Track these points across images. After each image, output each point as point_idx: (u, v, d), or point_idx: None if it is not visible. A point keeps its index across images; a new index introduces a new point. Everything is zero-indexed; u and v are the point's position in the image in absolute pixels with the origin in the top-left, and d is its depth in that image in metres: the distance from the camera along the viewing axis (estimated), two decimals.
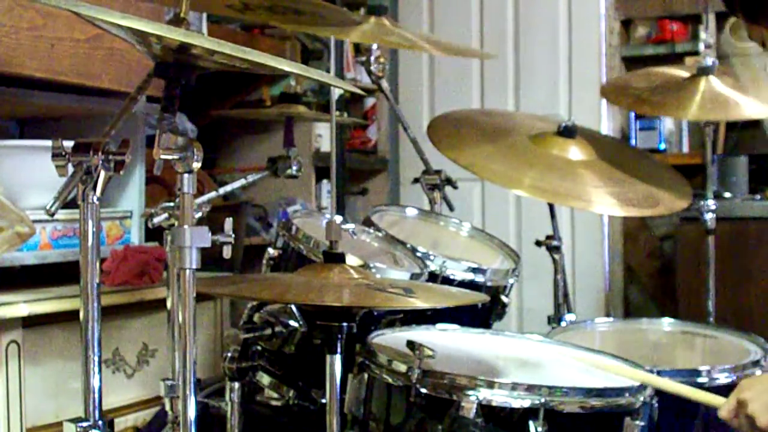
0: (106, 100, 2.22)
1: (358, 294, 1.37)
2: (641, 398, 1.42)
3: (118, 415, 2.07)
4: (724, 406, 1.40)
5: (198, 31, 1.24)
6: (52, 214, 1.19)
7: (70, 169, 1.19)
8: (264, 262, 1.88)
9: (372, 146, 4.26)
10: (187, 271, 1.17)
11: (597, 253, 3.84)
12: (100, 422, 1.21)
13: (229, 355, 1.53)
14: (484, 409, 1.34)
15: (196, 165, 1.16)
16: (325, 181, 3.75)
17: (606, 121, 3.82)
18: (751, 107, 2.13)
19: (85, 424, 1.20)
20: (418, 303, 1.40)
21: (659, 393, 1.49)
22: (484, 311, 1.97)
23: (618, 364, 1.58)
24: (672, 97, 2.20)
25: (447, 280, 1.89)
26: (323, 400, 1.54)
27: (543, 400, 1.34)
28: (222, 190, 2.10)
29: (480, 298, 1.70)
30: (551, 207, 2.25)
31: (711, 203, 2.31)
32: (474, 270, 1.94)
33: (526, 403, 1.35)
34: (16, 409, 1.85)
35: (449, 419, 1.34)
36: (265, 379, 1.71)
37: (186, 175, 1.17)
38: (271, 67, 1.17)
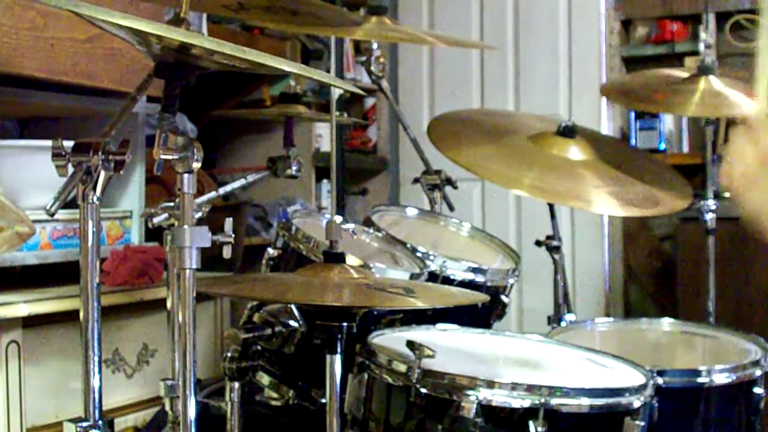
0: (106, 100, 2.22)
1: (358, 294, 1.37)
2: (641, 398, 1.42)
3: (118, 415, 2.07)
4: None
5: (198, 31, 1.24)
6: (52, 214, 1.19)
7: (70, 169, 1.18)
8: (264, 262, 1.88)
9: (372, 146, 4.26)
10: (187, 271, 1.17)
11: (597, 253, 3.84)
12: (100, 422, 1.21)
13: (229, 355, 1.53)
14: (484, 409, 1.34)
15: (196, 165, 1.16)
16: (325, 181, 3.75)
17: (606, 121, 3.82)
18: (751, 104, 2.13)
19: (85, 424, 1.20)
20: (418, 303, 1.40)
21: (659, 392, 1.49)
22: (484, 311, 1.97)
23: None
24: (672, 95, 2.20)
25: (447, 280, 1.89)
26: (323, 400, 1.54)
27: (543, 400, 1.34)
28: (222, 190, 2.10)
29: (480, 297, 1.70)
30: (551, 207, 2.25)
31: (711, 203, 2.31)
32: (474, 270, 1.94)
33: (526, 403, 1.35)
34: (16, 409, 1.85)
35: (449, 419, 1.34)
36: (265, 379, 1.71)
37: (186, 175, 1.17)
38: (271, 67, 1.17)
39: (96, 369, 1.20)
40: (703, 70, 2.18)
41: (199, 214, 1.63)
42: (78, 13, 1.07)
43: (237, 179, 2.15)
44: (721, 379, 1.64)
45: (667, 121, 3.71)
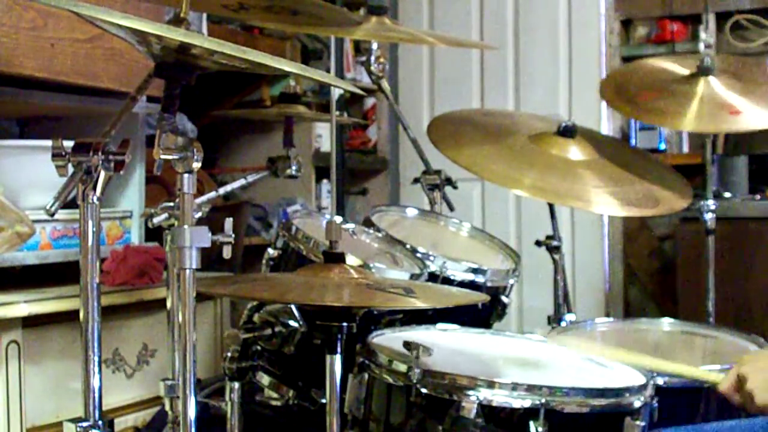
0: (106, 100, 2.22)
1: (358, 294, 1.37)
2: (641, 398, 1.42)
3: (118, 415, 2.07)
4: (724, 382, 1.41)
5: (198, 31, 1.24)
6: (52, 214, 1.19)
7: (70, 169, 1.19)
8: (264, 262, 1.88)
9: (372, 146, 4.26)
10: (187, 271, 1.17)
11: (597, 253, 3.84)
12: (100, 422, 1.21)
13: (229, 355, 1.53)
14: (485, 409, 1.34)
15: (196, 165, 1.16)
16: (325, 181, 3.75)
17: (606, 121, 3.82)
18: (751, 115, 2.11)
19: (85, 424, 1.20)
20: (418, 303, 1.40)
21: (659, 392, 1.49)
22: (484, 311, 1.97)
23: (621, 352, 1.59)
24: (670, 103, 2.19)
25: (447, 281, 1.89)
26: (323, 400, 1.54)
27: (543, 400, 1.34)
28: (222, 190, 2.10)
29: (480, 298, 1.70)
30: (551, 207, 2.25)
31: (711, 203, 2.31)
32: (474, 270, 1.94)
33: (526, 403, 1.35)
34: (16, 409, 1.85)
35: (449, 419, 1.34)
36: (265, 379, 1.71)
37: (186, 175, 1.17)
38: (271, 67, 1.17)
39: (96, 369, 1.21)
40: (703, 71, 2.18)
41: (199, 214, 1.62)
42: (78, 13, 1.07)
43: (237, 179, 2.15)
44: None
45: None
